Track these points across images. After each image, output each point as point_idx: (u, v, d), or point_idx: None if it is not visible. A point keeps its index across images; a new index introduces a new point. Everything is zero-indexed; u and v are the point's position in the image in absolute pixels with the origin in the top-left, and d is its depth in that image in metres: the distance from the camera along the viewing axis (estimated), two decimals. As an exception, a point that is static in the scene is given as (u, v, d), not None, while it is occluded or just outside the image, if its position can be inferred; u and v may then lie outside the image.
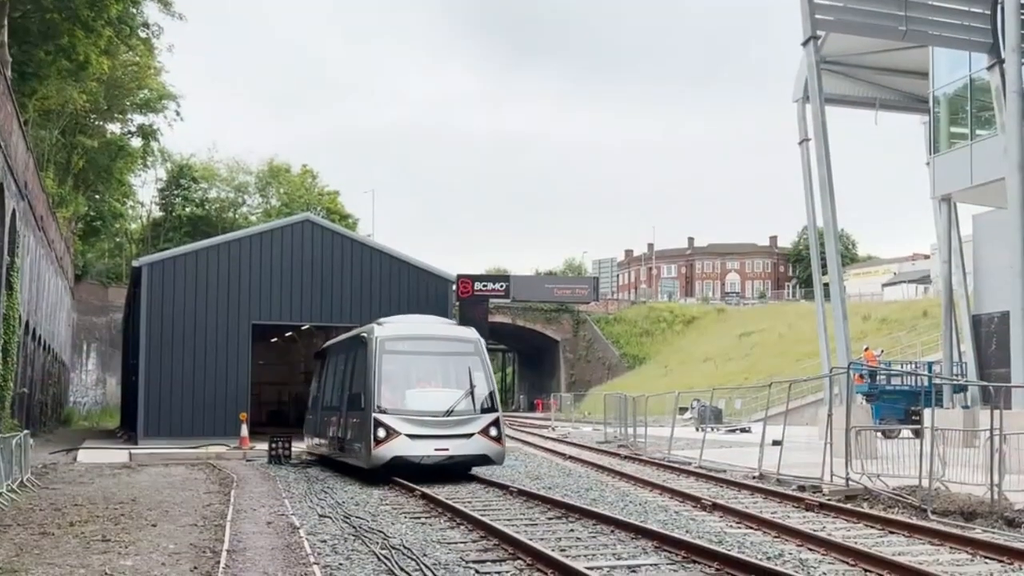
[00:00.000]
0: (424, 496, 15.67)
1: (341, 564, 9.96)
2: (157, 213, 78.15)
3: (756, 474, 18.48)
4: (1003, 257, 22.09)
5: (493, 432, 18.53)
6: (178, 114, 58.24)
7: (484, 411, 18.65)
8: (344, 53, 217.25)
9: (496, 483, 17.76)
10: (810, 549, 10.92)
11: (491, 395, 19.09)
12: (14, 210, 27.06)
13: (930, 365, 31.90)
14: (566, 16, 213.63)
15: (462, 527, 12.63)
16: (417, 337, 19.77)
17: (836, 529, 12.52)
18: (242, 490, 17.17)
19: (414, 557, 10.20)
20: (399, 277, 31.54)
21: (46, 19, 38.02)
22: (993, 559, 10.30)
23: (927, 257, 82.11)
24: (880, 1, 22.78)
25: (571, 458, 24.87)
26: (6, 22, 34.89)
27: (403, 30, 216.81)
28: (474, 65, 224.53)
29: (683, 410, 38.68)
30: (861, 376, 28.11)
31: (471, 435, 18.25)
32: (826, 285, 26.19)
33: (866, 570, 9.66)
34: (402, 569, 9.58)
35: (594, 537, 11.78)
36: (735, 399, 45.39)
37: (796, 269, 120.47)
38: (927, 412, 17.03)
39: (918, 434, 16.92)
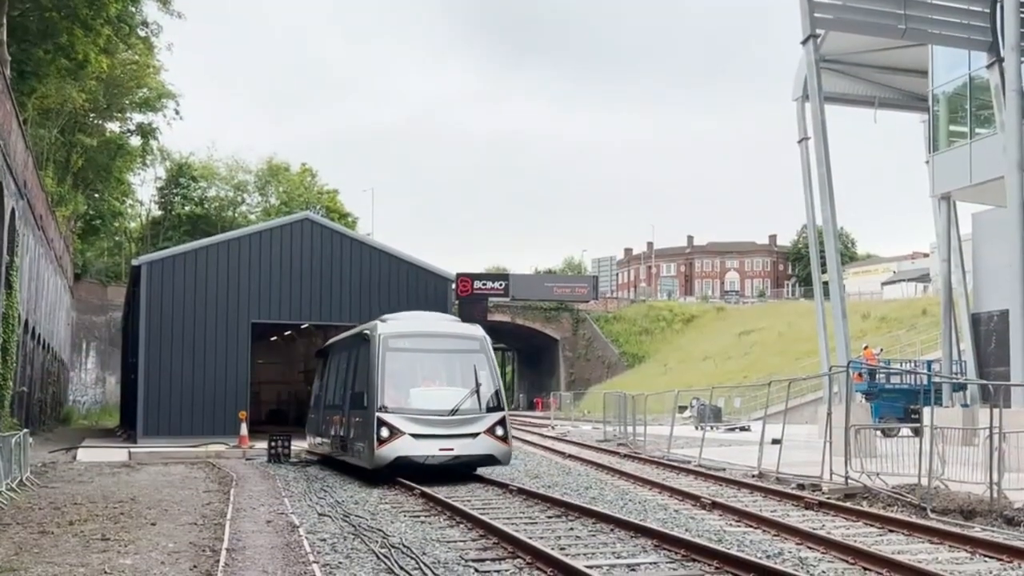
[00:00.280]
0: (423, 495, 15.67)
1: (340, 563, 9.96)
2: (156, 212, 78.11)
3: (755, 473, 18.47)
4: (1002, 256, 22.09)
5: (499, 431, 18.17)
6: (177, 113, 58.27)
7: (490, 410, 18.25)
8: (344, 52, 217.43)
9: (495, 482, 17.75)
10: (809, 547, 10.92)
11: (497, 393, 18.68)
12: (13, 209, 27.05)
13: (929, 363, 31.86)
14: (566, 16, 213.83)
15: (461, 526, 12.63)
16: (421, 334, 19.39)
17: (835, 527, 12.51)
18: (241, 489, 17.17)
19: (413, 556, 10.20)
20: (398, 276, 31.54)
21: (45, 18, 38.03)
22: (992, 557, 10.30)
23: (926, 255, 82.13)
24: (879, -1, 22.78)
25: (570, 456, 24.87)
26: (5, 20, 34.87)
27: (403, 29, 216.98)
28: (474, 65, 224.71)
29: (682, 409, 38.65)
30: (860, 375, 28.09)
31: (477, 435, 17.88)
32: (825, 284, 26.19)
33: (865, 568, 9.66)
34: (401, 568, 9.58)
35: (593, 536, 11.78)
36: (734, 398, 45.39)
37: (795, 268, 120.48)
38: (926, 410, 17.04)
39: (917, 432, 16.92)
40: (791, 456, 18.64)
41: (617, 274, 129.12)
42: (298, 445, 24.50)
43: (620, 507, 14.48)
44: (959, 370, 27.31)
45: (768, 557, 10.15)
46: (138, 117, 58.51)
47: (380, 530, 12.06)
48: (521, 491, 16.16)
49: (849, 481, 15.50)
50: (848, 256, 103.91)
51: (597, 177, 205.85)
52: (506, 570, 9.70)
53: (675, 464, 21.35)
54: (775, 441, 19.04)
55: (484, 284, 44.98)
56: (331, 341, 24.92)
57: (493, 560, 10.18)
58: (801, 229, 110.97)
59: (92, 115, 52.55)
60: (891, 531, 12.15)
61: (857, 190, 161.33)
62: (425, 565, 9.67)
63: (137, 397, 29.20)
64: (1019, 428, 14.75)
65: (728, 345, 70.01)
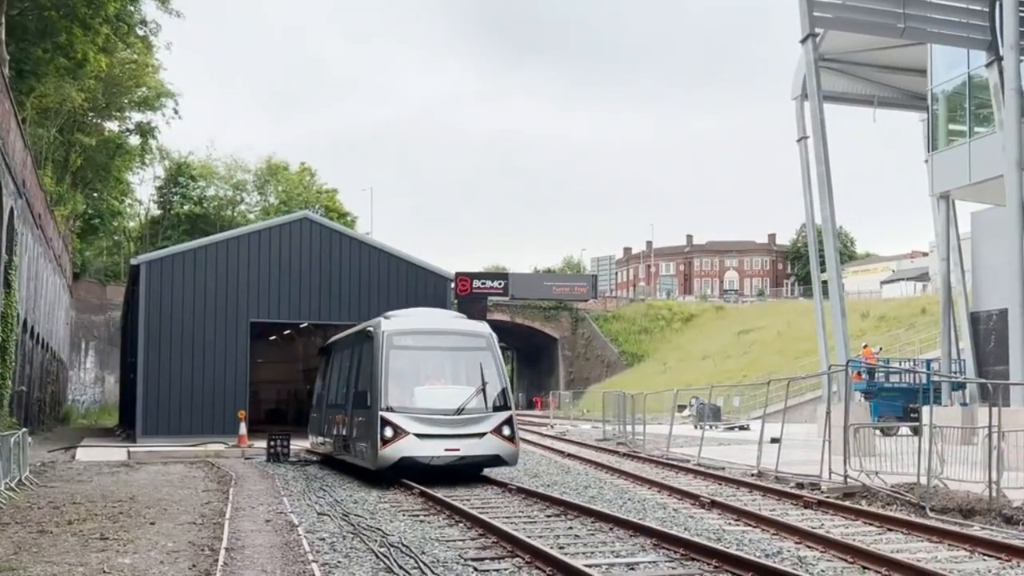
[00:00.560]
0: (423, 494, 15.66)
1: (340, 562, 9.95)
2: (155, 211, 78.13)
3: (755, 472, 18.47)
4: (1001, 254, 22.10)
5: (506, 431, 17.64)
6: (176, 112, 58.26)
7: (496, 409, 17.77)
8: (343, 51, 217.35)
9: (495, 481, 17.74)
10: (808, 546, 10.92)
11: (504, 392, 18.22)
12: (12, 208, 27.03)
13: (928, 362, 31.88)
14: (566, 16, 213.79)
15: (460, 525, 12.62)
16: (426, 331, 18.91)
17: (834, 526, 12.52)
18: (240, 488, 17.16)
19: (413, 555, 10.19)
20: (397, 275, 31.54)
21: (44, 17, 38.03)
22: (991, 556, 10.30)
23: (926, 254, 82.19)
24: (878, -2, 22.79)
25: (570, 456, 24.87)
26: (3, 20, 34.87)
27: (402, 29, 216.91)
28: (473, 64, 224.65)
29: (682, 408, 38.68)
30: (860, 374, 28.11)
31: (483, 435, 17.39)
32: (825, 283, 26.19)
33: (864, 567, 9.66)
34: (400, 567, 9.57)
35: (592, 535, 11.78)
36: (734, 397, 45.42)
37: (795, 267, 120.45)
38: (925, 409, 17.06)
39: (916, 431, 16.93)
40: (790, 455, 18.64)
41: (616, 273, 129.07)
42: (297, 444, 24.48)
43: (619, 506, 14.48)
44: (958, 369, 27.32)
45: (767, 556, 10.15)
46: (137, 116, 58.59)
47: (379, 529, 12.05)
48: (520, 490, 16.16)
49: (848, 480, 15.50)
50: (847, 255, 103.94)
51: (597, 176, 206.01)
52: (505, 569, 9.69)
53: (674, 463, 21.35)
54: (774, 440, 19.05)
55: (483, 283, 45.10)
56: (334, 339, 24.54)
57: (492, 559, 10.18)
58: (800, 228, 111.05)
59: (91, 114, 52.57)
60: (890, 530, 12.15)
61: (856, 189, 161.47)
62: (424, 564, 9.67)
63: (136, 396, 29.19)
64: (1018, 427, 14.75)
65: (727, 344, 70.04)
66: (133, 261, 31.79)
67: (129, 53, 51.40)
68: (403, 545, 10.80)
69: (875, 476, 15.23)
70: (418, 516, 13.58)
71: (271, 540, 11.31)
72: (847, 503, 14.28)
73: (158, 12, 49.56)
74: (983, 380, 23.59)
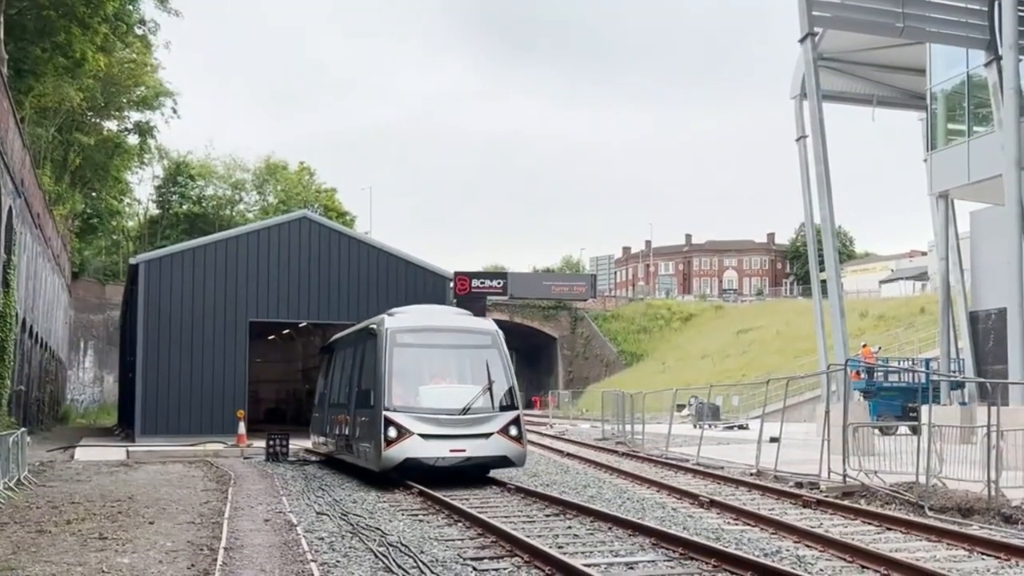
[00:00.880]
0: (421, 493, 15.64)
1: (338, 561, 9.95)
2: (154, 210, 78.06)
3: (754, 471, 18.48)
4: (1000, 254, 22.13)
5: (513, 431, 17.17)
6: (175, 111, 58.21)
7: (503, 409, 17.29)
8: (343, 51, 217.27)
9: (494, 480, 17.71)
10: (807, 546, 10.92)
11: (511, 391, 17.67)
12: (11, 207, 27.02)
13: (927, 362, 31.92)
14: (566, 15, 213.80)
15: (459, 524, 12.62)
16: (431, 329, 18.36)
17: (833, 526, 12.52)
18: (239, 488, 17.14)
19: (411, 554, 10.19)
20: (396, 274, 31.53)
21: (42, 16, 37.97)
22: (990, 555, 10.30)
23: (924, 254, 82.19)
24: (877, -3, 22.80)
25: (569, 455, 24.87)
26: (2, 19, 34.81)
27: (402, 28, 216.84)
28: (473, 63, 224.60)
29: (681, 407, 38.70)
30: (858, 373, 28.13)
31: (490, 435, 16.91)
32: (823, 282, 26.19)
33: (863, 566, 9.66)
34: (399, 566, 9.57)
35: (592, 534, 11.78)
36: (733, 396, 45.42)
37: (794, 266, 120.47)
38: (924, 409, 17.09)
39: (915, 431, 16.93)
40: (789, 454, 18.64)
41: (615, 273, 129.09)
42: (296, 444, 24.48)
43: (618, 505, 14.48)
44: (957, 368, 27.35)
45: (766, 555, 10.15)
46: (136, 116, 58.53)
47: (378, 529, 12.05)
48: (519, 489, 16.15)
49: (847, 479, 15.51)
50: (846, 254, 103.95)
51: (596, 176, 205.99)
52: (504, 569, 9.69)
53: (673, 462, 21.35)
54: (773, 439, 19.04)
55: (482, 283, 45.03)
56: (336, 337, 24.10)
57: (491, 559, 10.18)
58: (799, 227, 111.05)
59: (90, 113, 52.51)
60: (889, 529, 12.15)
61: (855, 188, 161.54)
62: (423, 564, 9.66)
63: (135, 396, 29.19)
64: (1017, 426, 14.76)
65: (726, 343, 70.06)
66: (132, 260, 31.78)
67: (128, 52, 51.35)
68: (402, 544, 10.79)
69: (874, 475, 15.23)
70: (417, 515, 13.57)
71: (270, 539, 11.31)
72: (846, 502, 14.28)
73: (157, 11, 49.59)
74: (982, 379, 23.60)
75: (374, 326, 18.36)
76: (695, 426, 33.60)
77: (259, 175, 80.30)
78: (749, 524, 12.64)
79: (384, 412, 16.70)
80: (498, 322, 20.33)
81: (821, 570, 9.58)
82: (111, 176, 58.19)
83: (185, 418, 28.65)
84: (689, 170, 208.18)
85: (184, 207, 75.78)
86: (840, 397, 19.01)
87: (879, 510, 13.46)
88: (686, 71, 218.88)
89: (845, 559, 10.03)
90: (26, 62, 39.48)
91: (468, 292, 40.38)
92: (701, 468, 19.80)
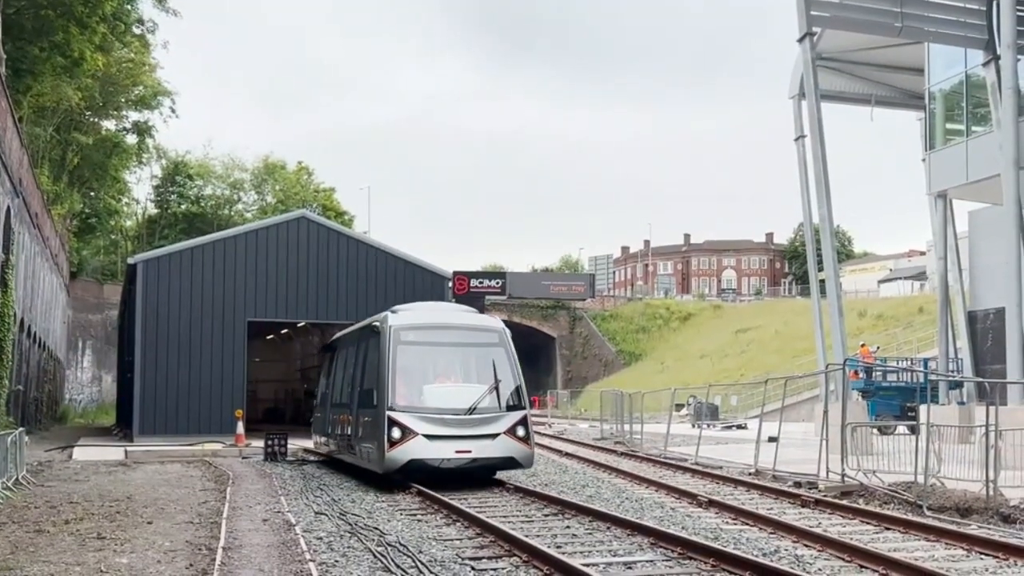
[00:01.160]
0: (420, 493, 15.61)
1: (337, 561, 9.94)
2: (152, 210, 77.99)
3: (752, 471, 18.49)
4: (999, 253, 22.14)
5: (520, 432, 16.69)
6: (173, 111, 58.14)
7: (510, 408, 16.85)
8: (342, 50, 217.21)
9: (493, 480, 17.69)
10: (806, 545, 10.92)
11: (518, 390, 17.18)
12: (9, 207, 27.00)
13: (926, 361, 31.93)
14: (565, 15, 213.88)
15: (458, 524, 12.61)
16: (435, 326, 17.83)
17: (832, 525, 12.52)
18: (238, 487, 17.13)
19: (410, 554, 10.18)
20: (395, 274, 31.54)
21: (40, 15, 37.94)
22: (988, 555, 10.31)
23: (923, 254, 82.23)
24: (876, -3, 22.80)
25: (567, 455, 24.86)
26: (0, 18, 34.77)
27: (401, 28, 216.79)
28: (472, 63, 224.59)
29: (679, 407, 38.73)
30: (857, 372, 28.14)
31: (496, 435, 16.42)
32: (822, 282, 26.21)
33: (862, 566, 9.66)
34: (398, 566, 9.56)
35: (590, 534, 11.77)
36: (731, 396, 45.46)
37: (792, 266, 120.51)
38: (923, 408, 17.09)
39: (914, 430, 16.93)
40: (787, 454, 18.64)
41: (614, 272, 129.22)
42: (295, 444, 24.47)
43: (617, 505, 14.48)
44: (955, 368, 27.37)
45: (764, 555, 10.15)
46: (134, 115, 58.46)
47: (376, 528, 12.04)
48: (518, 489, 16.14)
49: (845, 479, 15.52)
50: (845, 254, 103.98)
51: (595, 176, 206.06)
52: (502, 568, 9.68)
53: (672, 462, 21.35)
54: (771, 439, 19.05)
55: (481, 282, 45.09)
56: (338, 335, 23.62)
57: (490, 558, 10.17)
58: (798, 227, 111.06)
59: (88, 113, 52.46)
60: (887, 529, 12.16)
61: (854, 188, 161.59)
62: (422, 563, 9.65)
63: (133, 395, 29.18)
64: (1015, 426, 14.78)
65: (725, 343, 70.10)
66: (130, 260, 31.76)
67: (126, 52, 51.32)
68: (400, 544, 10.79)
69: (872, 475, 15.24)
70: (415, 515, 13.56)
71: (268, 539, 11.30)
72: (844, 502, 14.28)
73: (155, 11, 49.57)
74: (980, 379, 23.61)
75: (377, 323, 17.88)
76: (694, 426, 33.61)
77: (257, 175, 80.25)
78: (747, 524, 12.64)
79: (387, 412, 16.25)
80: (497, 322, 20.12)
81: (819, 569, 9.58)
82: (109, 176, 58.13)
83: (183, 418, 28.65)
84: (688, 170, 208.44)
85: (182, 207, 75.73)
86: (839, 397, 19.02)
87: (877, 510, 13.47)
88: (685, 71, 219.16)
89: (843, 559, 10.03)
90: (24, 61, 39.43)
91: (467, 292, 40.41)
92: (699, 468, 19.80)
